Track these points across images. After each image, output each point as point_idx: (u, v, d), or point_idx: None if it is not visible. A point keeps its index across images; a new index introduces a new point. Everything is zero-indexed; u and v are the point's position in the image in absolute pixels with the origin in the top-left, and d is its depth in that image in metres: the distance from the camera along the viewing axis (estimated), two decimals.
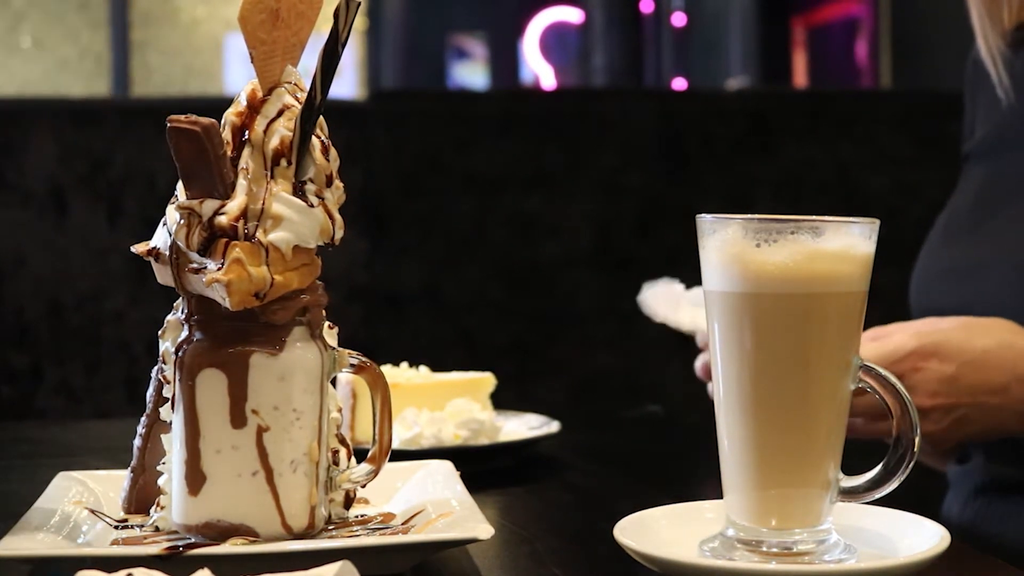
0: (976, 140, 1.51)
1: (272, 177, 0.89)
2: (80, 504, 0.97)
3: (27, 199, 2.74)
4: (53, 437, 1.63)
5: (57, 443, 1.56)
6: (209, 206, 0.89)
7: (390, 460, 0.96)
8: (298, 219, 0.88)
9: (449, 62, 9.14)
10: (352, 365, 0.94)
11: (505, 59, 9.11)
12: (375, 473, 0.95)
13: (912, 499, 1.08)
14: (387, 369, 1.40)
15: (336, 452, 0.95)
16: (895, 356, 1.23)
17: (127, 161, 2.79)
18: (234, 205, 0.88)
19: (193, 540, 0.89)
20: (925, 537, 0.85)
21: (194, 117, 0.89)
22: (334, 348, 0.94)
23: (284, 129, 0.90)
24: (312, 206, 0.89)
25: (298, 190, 0.89)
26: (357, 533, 0.93)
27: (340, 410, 0.97)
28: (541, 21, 8.91)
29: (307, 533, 0.91)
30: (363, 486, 0.95)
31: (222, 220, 0.88)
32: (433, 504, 0.96)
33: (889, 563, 0.81)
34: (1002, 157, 1.46)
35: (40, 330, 2.73)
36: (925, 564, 0.80)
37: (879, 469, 0.87)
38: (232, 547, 0.86)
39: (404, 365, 1.45)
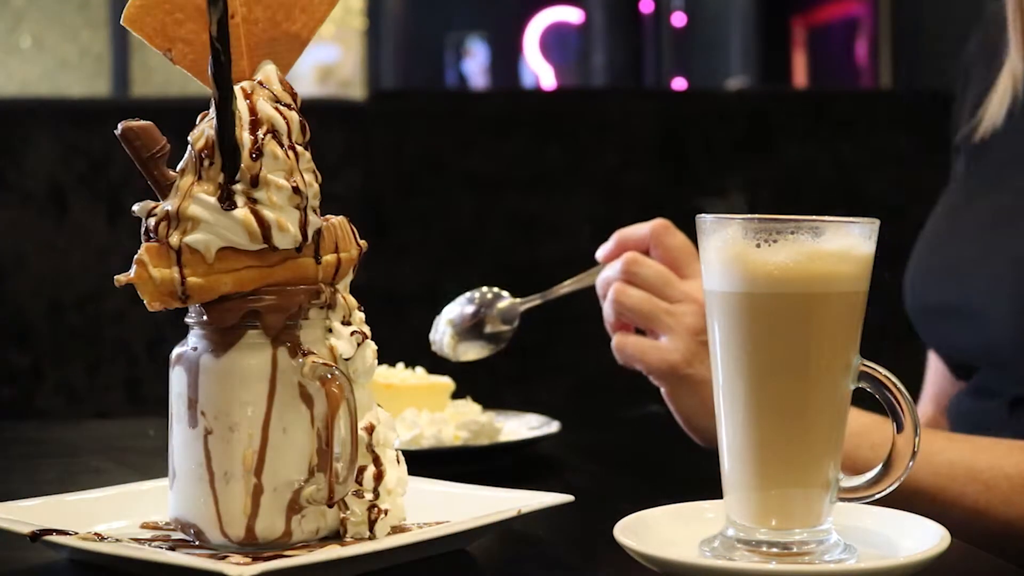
0: (963, 132, 1.51)
1: (200, 178, 0.89)
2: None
3: (27, 199, 2.74)
4: (53, 437, 1.63)
5: (58, 443, 1.56)
6: (144, 208, 0.90)
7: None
8: (214, 221, 0.87)
9: (449, 62, 9.13)
10: (319, 377, 0.90)
11: (505, 59, 9.10)
12: (331, 494, 0.90)
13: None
14: (383, 369, 1.39)
15: (363, 468, 0.91)
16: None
17: (127, 161, 2.78)
18: (161, 207, 0.89)
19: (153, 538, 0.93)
20: (925, 537, 0.85)
21: (131, 121, 0.89)
22: (308, 354, 0.90)
23: (209, 129, 0.89)
24: (234, 208, 0.88)
25: (225, 191, 0.88)
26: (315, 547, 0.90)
27: (370, 428, 0.93)
28: (541, 21, 8.91)
29: (278, 543, 0.89)
30: (329, 505, 0.90)
31: (151, 222, 0.89)
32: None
33: (889, 563, 0.81)
34: (983, 149, 1.45)
35: (40, 330, 2.73)
36: (925, 564, 0.80)
37: (879, 469, 0.87)
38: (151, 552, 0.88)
39: (400, 366, 1.45)
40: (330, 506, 0.90)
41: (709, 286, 0.88)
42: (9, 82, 7.04)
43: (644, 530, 0.87)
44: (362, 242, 0.95)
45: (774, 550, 0.85)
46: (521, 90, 7.68)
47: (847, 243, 0.85)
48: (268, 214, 0.88)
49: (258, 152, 0.88)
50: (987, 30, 1.59)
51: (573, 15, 8.86)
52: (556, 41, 8.92)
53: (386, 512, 0.92)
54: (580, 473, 1.34)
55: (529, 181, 2.86)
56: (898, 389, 0.86)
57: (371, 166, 2.80)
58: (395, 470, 0.94)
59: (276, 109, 0.90)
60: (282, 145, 0.90)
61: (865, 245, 0.86)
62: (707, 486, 0.93)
